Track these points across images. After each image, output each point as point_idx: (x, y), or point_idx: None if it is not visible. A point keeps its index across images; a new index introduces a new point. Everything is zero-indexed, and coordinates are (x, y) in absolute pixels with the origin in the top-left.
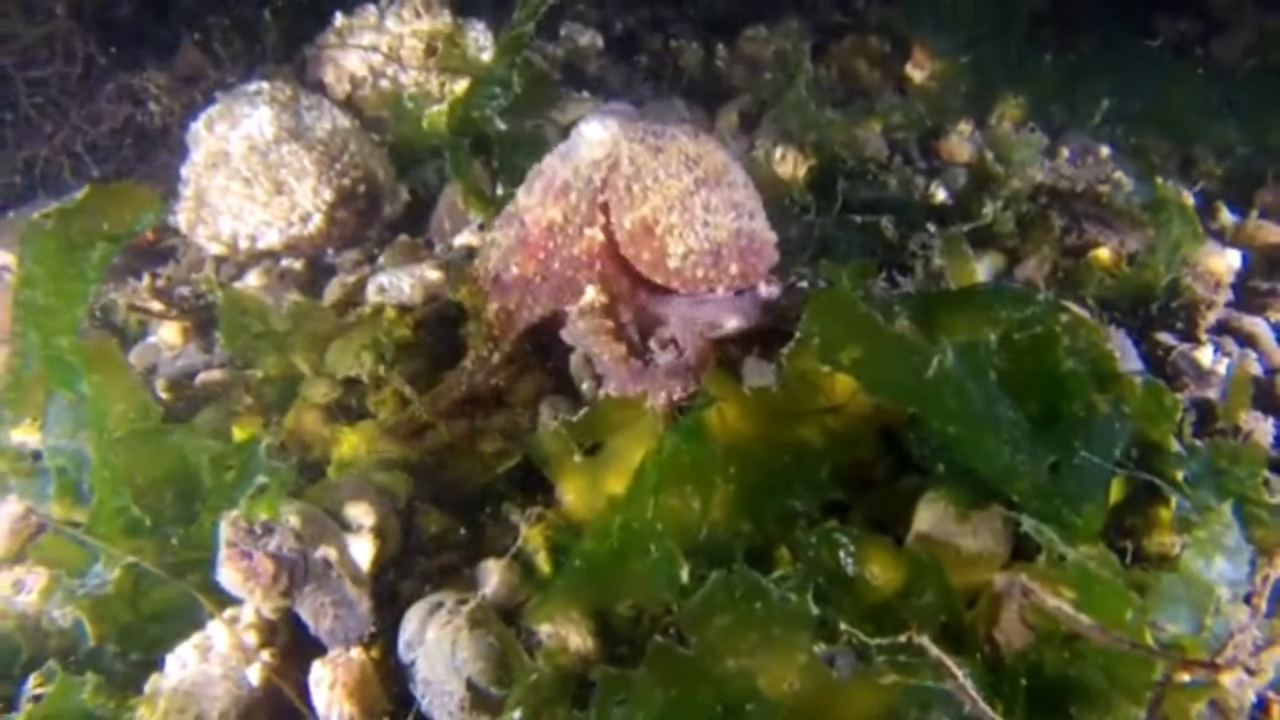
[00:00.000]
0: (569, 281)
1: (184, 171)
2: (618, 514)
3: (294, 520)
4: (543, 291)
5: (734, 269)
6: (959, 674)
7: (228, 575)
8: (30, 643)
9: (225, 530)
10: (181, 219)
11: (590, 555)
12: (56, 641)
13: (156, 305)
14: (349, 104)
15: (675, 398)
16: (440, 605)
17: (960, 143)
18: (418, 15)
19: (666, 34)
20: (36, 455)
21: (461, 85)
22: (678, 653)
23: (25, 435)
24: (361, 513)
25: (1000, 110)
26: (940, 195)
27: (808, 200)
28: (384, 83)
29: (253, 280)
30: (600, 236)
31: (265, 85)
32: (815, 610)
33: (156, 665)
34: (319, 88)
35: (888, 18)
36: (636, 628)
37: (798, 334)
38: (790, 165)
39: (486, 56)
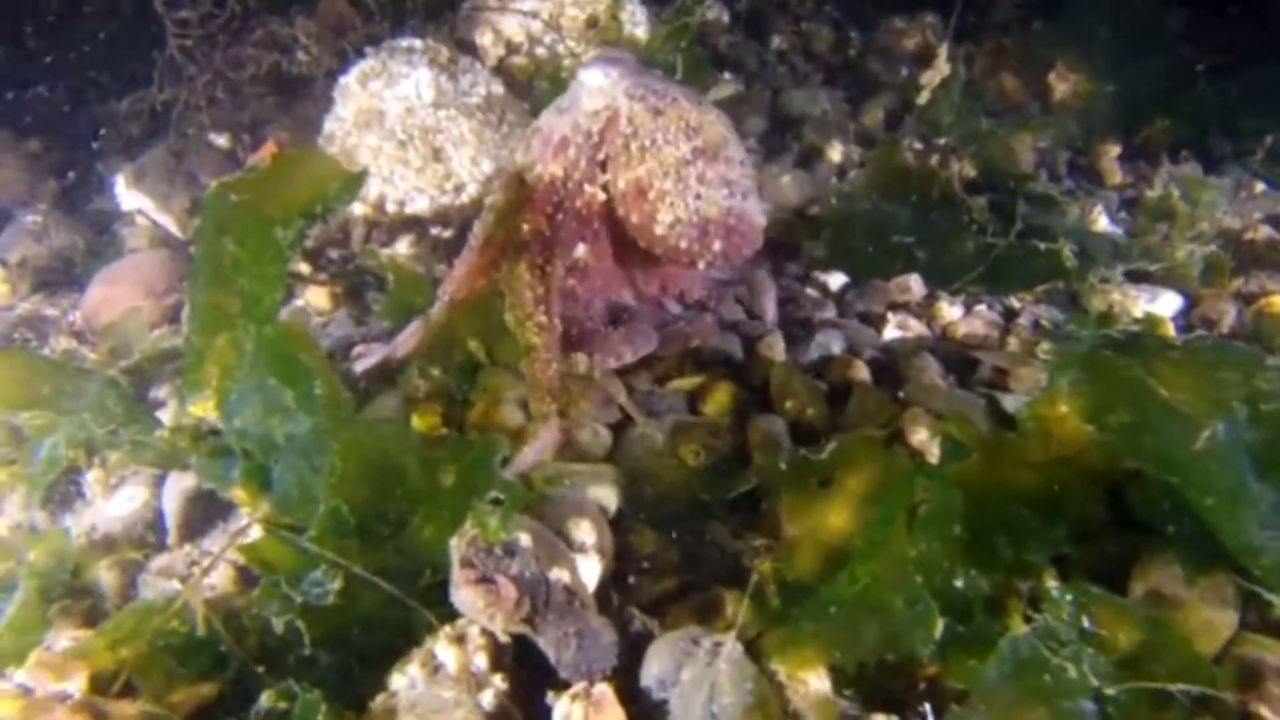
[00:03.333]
0: (574, 234)
1: (328, 126)
2: (867, 560)
3: (524, 539)
4: (555, 244)
5: (717, 246)
6: None
7: (467, 599)
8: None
9: (461, 549)
10: None
11: (840, 601)
12: (255, 640)
13: (304, 268)
14: (499, 69)
15: (625, 361)
16: (695, 644)
17: (1111, 164)
18: None
19: (795, 15)
20: (213, 432)
21: None
22: None
23: (200, 411)
24: (584, 531)
25: (1147, 133)
26: (1102, 222)
27: (987, 219)
28: (540, 51)
29: (403, 249)
30: (601, 195)
31: (419, 43)
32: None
33: (365, 675)
34: (469, 49)
35: (1026, 27)
36: (861, 669)
37: (1046, 381)
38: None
39: (640, 32)
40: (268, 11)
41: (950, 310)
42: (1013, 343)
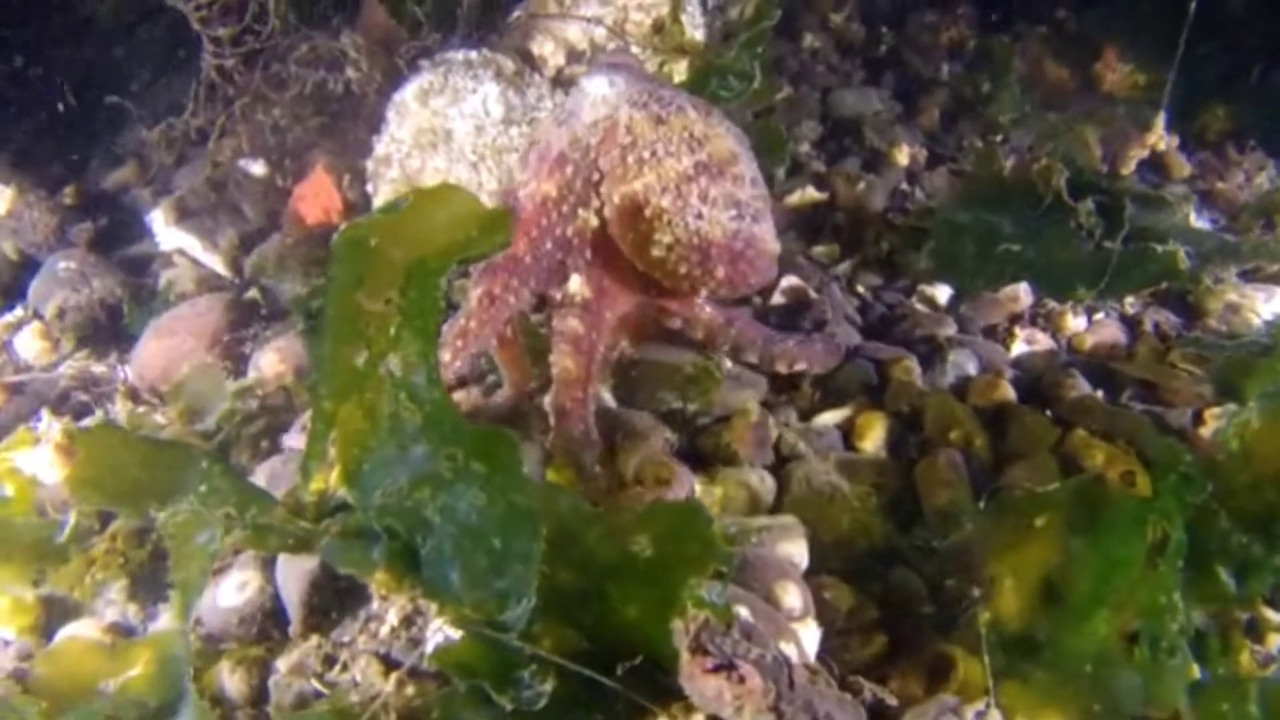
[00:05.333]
0: (559, 264)
1: (381, 148)
2: (1103, 606)
3: (745, 613)
4: (530, 273)
5: (721, 273)
6: None
7: (709, 689)
8: None
9: (691, 633)
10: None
11: (1082, 654)
12: None
13: None
14: (558, 80)
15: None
16: (956, 715)
17: (1176, 157)
18: None
19: (820, 11)
20: (337, 509)
21: (680, 67)
22: None
23: (320, 485)
24: (794, 596)
25: (1204, 121)
26: (1191, 217)
27: (1094, 223)
28: None
29: None
30: (594, 221)
31: (475, 55)
32: None
33: None
34: (526, 58)
35: (1067, 16)
36: None
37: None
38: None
39: (700, 35)
40: (309, 26)
41: (1075, 320)
42: (1143, 351)
